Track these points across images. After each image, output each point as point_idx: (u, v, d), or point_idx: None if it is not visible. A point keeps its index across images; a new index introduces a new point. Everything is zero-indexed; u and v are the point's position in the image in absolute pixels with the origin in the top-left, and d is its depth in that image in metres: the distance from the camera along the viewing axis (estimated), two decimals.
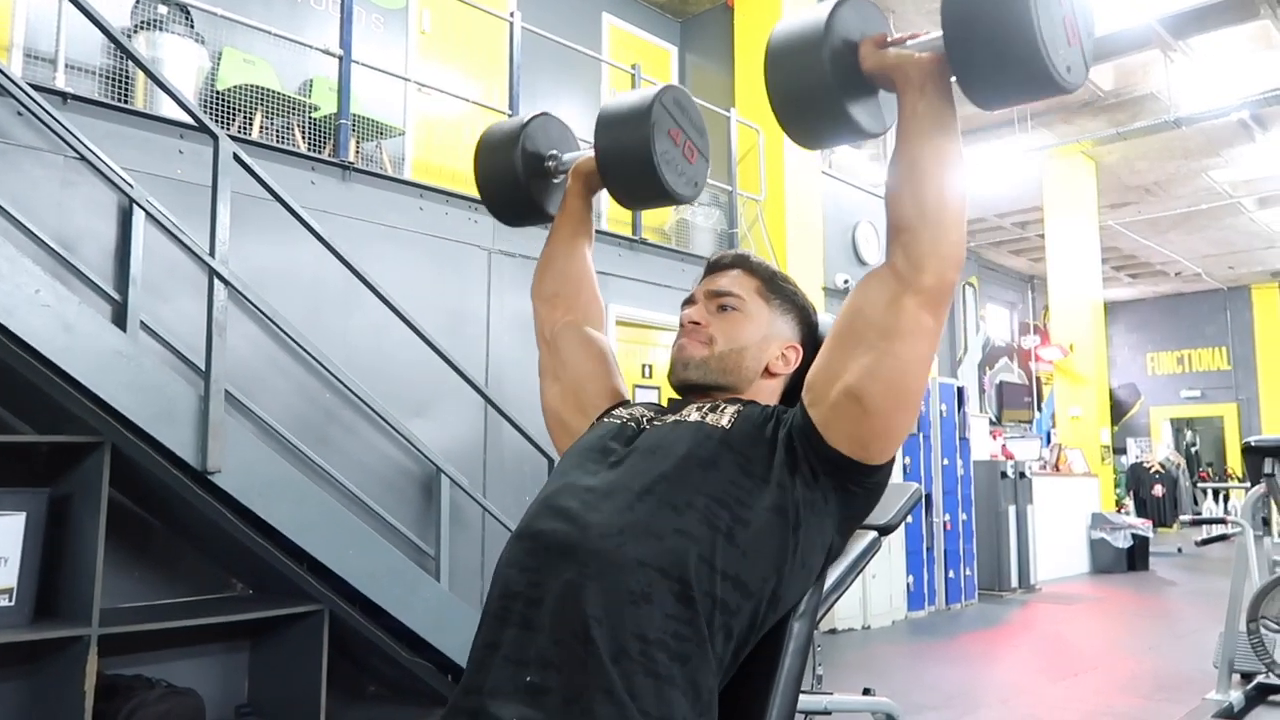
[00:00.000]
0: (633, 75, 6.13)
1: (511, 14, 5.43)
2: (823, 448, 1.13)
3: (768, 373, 1.33)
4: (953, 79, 1.14)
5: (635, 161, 1.46)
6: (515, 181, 1.63)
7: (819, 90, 1.17)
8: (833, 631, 6.21)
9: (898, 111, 1.15)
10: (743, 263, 1.39)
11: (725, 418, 1.20)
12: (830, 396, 1.12)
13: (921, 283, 1.09)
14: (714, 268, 1.41)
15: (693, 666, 1.01)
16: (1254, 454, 4.05)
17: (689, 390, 1.33)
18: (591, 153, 1.58)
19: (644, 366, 6.06)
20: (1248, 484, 4.29)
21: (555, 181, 1.69)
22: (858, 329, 1.12)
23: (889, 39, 1.18)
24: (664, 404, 1.39)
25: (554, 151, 1.69)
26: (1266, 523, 5.41)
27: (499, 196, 1.68)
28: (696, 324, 1.33)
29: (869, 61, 1.17)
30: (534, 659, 1.02)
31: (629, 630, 1.01)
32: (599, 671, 0.99)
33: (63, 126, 3.42)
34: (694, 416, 1.23)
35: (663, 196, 1.51)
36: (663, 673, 1.00)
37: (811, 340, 1.38)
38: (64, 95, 3.58)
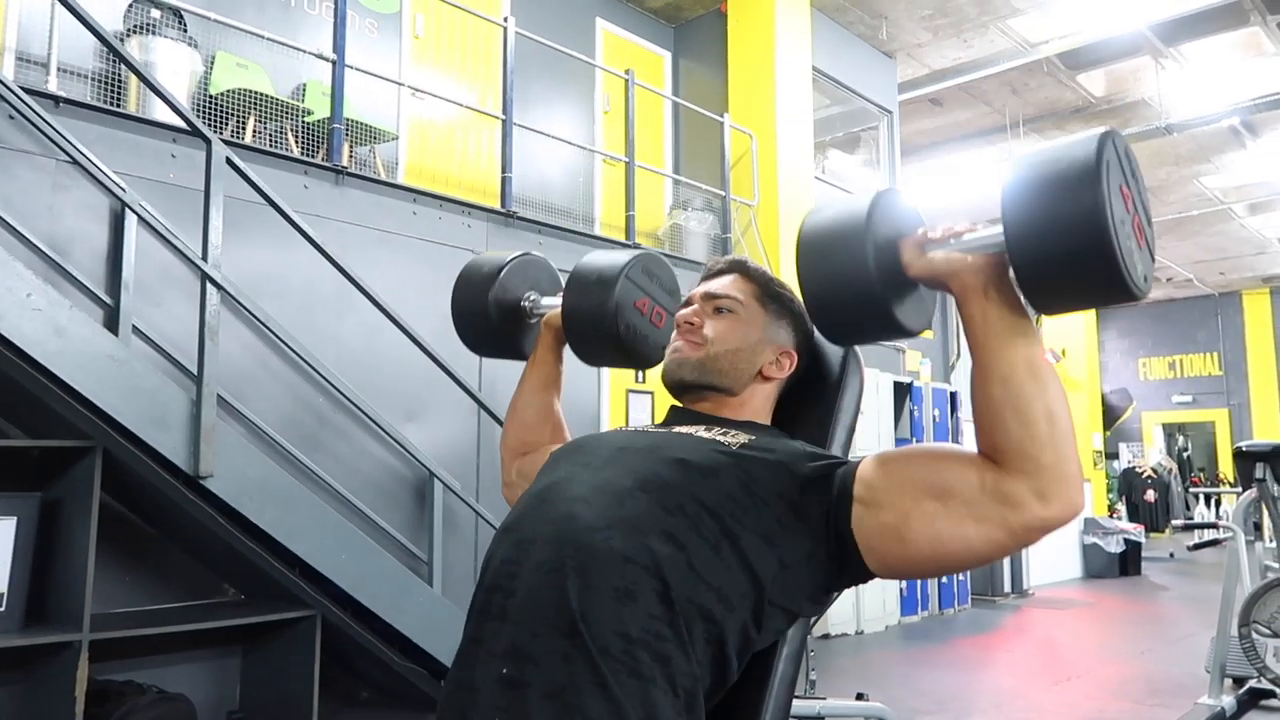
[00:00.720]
0: (626, 80, 6.14)
1: (505, 19, 5.43)
2: (845, 533, 1.08)
3: (761, 376, 1.33)
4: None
5: (600, 334, 1.48)
6: (486, 320, 1.65)
7: (864, 293, 1.07)
8: (826, 636, 6.21)
9: (963, 320, 1.07)
10: (740, 267, 1.39)
11: (740, 439, 1.18)
12: (883, 518, 1.06)
13: (1047, 515, 0.99)
14: (711, 271, 1.41)
15: (673, 667, 1.00)
16: (1245, 459, 4.07)
17: (683, 390, 1.33)
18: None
19: (637, 372, 6.06)
20: (1239, 489, 4.31)
21: (530, 323, 1.70)
22: (950, 494, 1.03)
23: (928, 235, 1.10)
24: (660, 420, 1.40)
25: (532, 295, 1.69)
26: (1258, 528, 5.43)
27: (470, 330, 1.69)
28: (692, 324, 1.33)
29: (916, 268, 1.08)
30: (511, 651, 1.01)
31: (611, 627, 0.99)
32: (589, 665, 0.97)
33: (55, 130, 3.41)
34: (703, 433, 1.21)
35: (627, 364, 1.54)
36: (645, 672, 0.98)
37: (806, 347, 1.38)
38: (56, 99, 3.58)
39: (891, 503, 1.06)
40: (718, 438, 1.18)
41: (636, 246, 5.90)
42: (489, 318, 1.64)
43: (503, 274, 1.64)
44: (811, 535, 1.10)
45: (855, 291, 1.08)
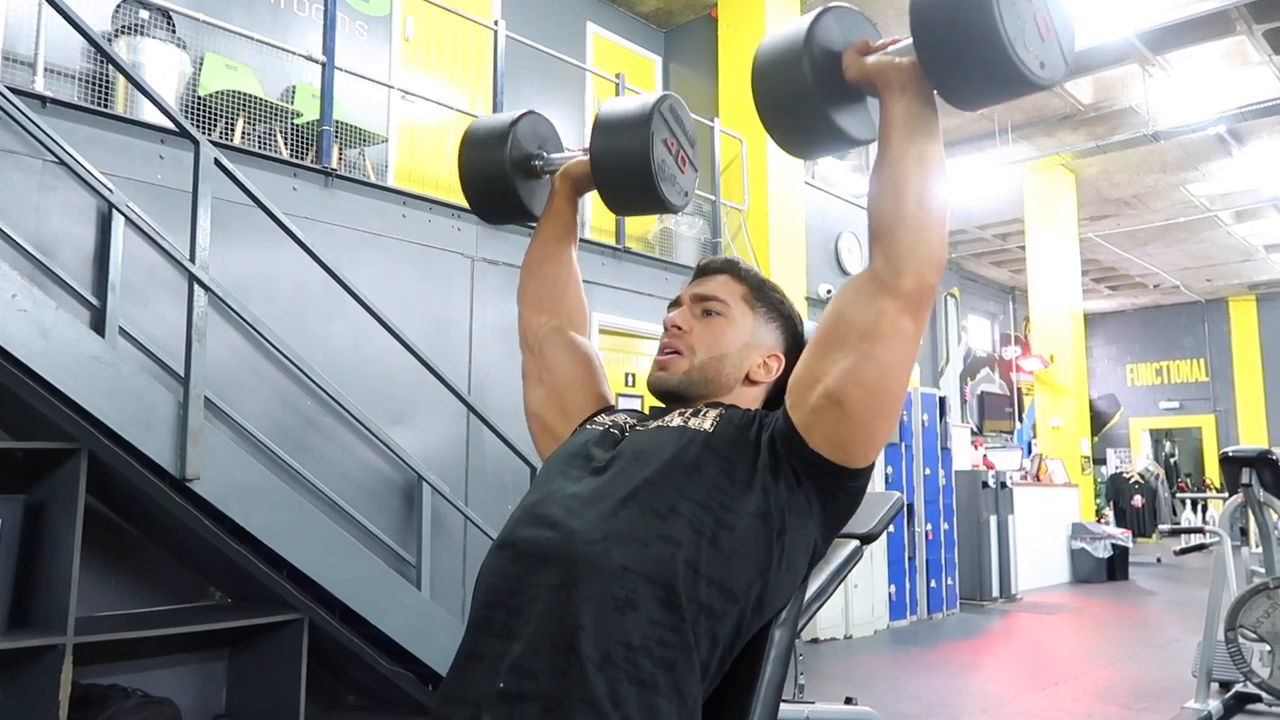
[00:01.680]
0: (617, 85, 6.14)
1: (496, 22, 5.43)
2: (804, 451, 1.12)
3: (749, 380, 1.33)
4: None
5: (633, 168, 1.45)
6: (503, 181, 1.61)
7: (803, 99, 1.17)
8: (815, 641, 6.21)
9: (880, 116, 1.15)
10: (731, 268, 1.39)
11: (708, 421, 1.20)
12: (811, 400, 1.12)
13: (901, 286, 1.09)
14: (702, 272, 1.41)
15: (678, 673, 1.01)
16: (1231, 464, 4.09)
17: (669, 399, 1.33)
18: (580, 155, 1.57)
19: (627, 375, 6.06)
20: (1226, 494, 4.34)
21: (540, 181, 1.67)
22: (839, 332, 1.12)
23: (872, 45, 1.18)
24: (646, 411, 1.39)
25: (541, 151, 1.67)
26: (1244, 532, 5.46)
27: (484, 194, 1.65)
28: (679, 328, 1.33)
29: (851, 69, 1.17)
30: (511, 667, 1.02)
31: (614, 637, 1.00)
32: (581, 681, 0.98)
33: (42, 130, 3.39)
34: (676, 421, 1.22)
35: (656, 204, 1.49)
36: (647, 680, 0.99)
37: (796, 349, 1.37)
38: (43, 99, 3.56)
39: (810, 382, 1.13)
40: (690, 423, 1.20)
41: (627, 251, 5.90)
42: (506, 178, 1.61)
43: (514, 131, 1.61)
44: (792, 488, 1.13)
45: (794, 94, 1.17)
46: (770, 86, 1.20)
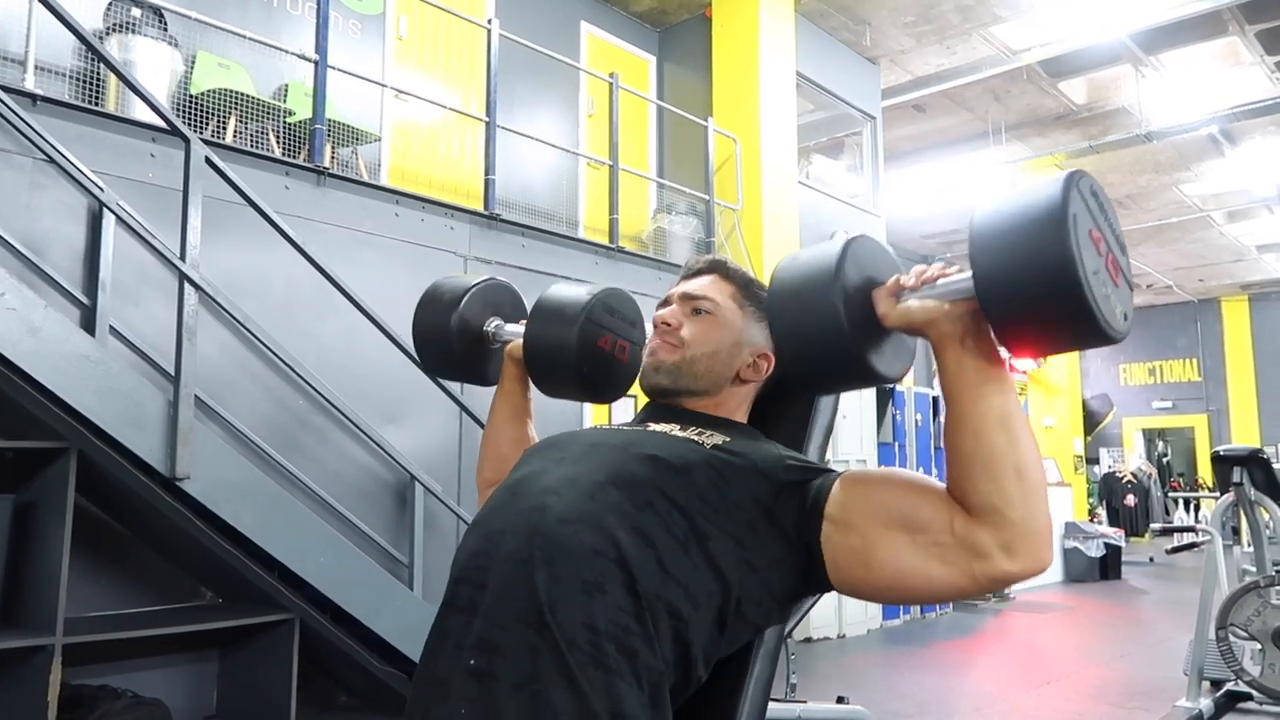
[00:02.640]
0: (610, 84, 6.14)
1: (489, 21, 5.42)
2: (813, 546, 1.08)
3: (738, 379, 1.32)
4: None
5: (559, 371, 1.46)
6: (448, 346, 1.60)
7: (837, 343, 1.04)
8: (808, 640, 6.21)
9: (939, 368, 1.04)
10: (719, 268, 1.38)
11: (714, 439, 1.18)
12: (850, 540, 1.06)
13: (1011, 569, 0.98)
14: (690, 271, 1.40)
15: (640, 661, 1.00)
16: (1223, 463, 4.11)
17: (659, 394, 1.32)
18: None
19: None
20: (1218, 493, 4.35)
21: (494, 348, 1.66)
22: (920, 530, 1.03)
23: (902, 284, 1.06)
24: (637, 410, 1.39)
25: (496, 321, 1.65)
26: (1236, 532, 5.47)
27: (432, 356, 1.65)
28: (669, 325, 1.32)
29: (892, 319, 1.05)
30: (479, 643, 1.01)
31: (580, 619, 0.99)
32: (555, 657, 0.97)
33: (32, 128, 3.38)
34: (678, 431, 1.20)
35: (584, 398, 1.53)
36: (611, 665, 0.98)
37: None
38: (33, 97, 3.54)
39: (861, 527, 1.05)
40: (693, 437, 1.18)
41: (621, 250, 5.90)
42: (450, 343, 1.60)
43: (465, 299, 1.60)
44: (783, 543, 1.09)
45: (828, 345, 1.05)
46: (798, 328, 1.07)
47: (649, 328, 1.39)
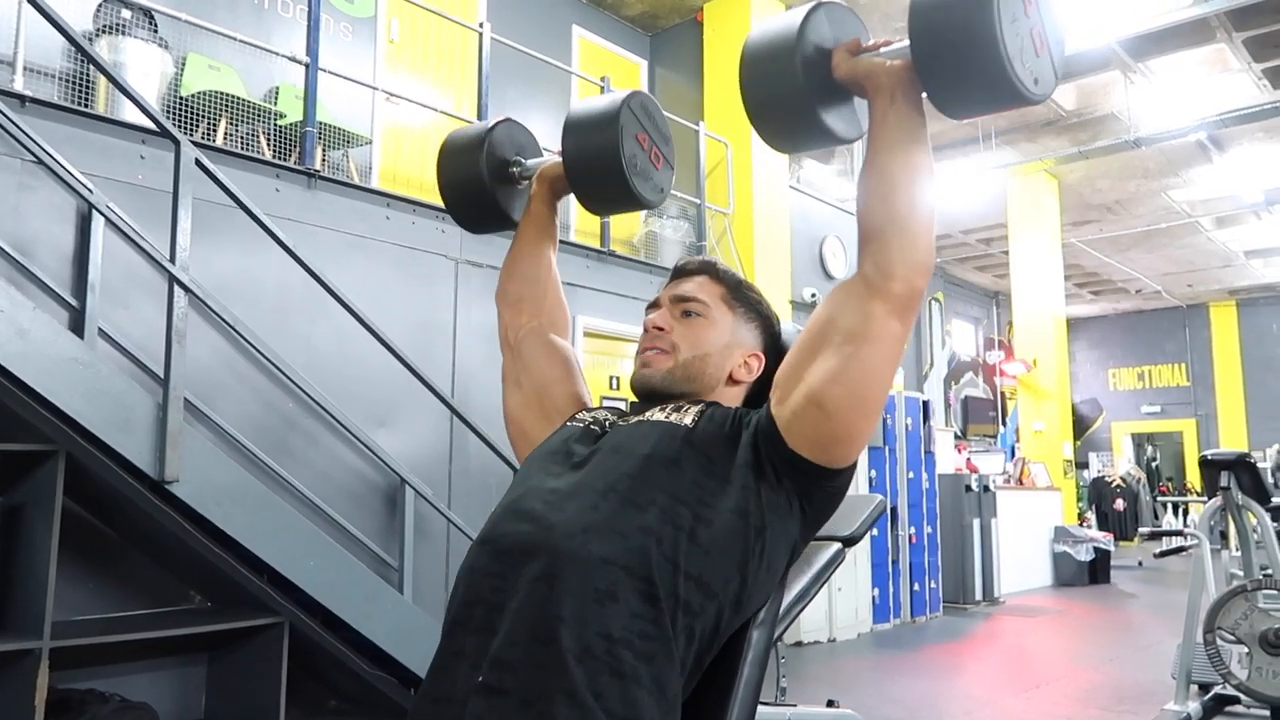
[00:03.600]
0: (602, 88, 6.14)
1: (481, 25, 5.42)
2: (785, 450, 1.13)
3: (730, 380, 1.33)
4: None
5: (603, 166, 1.45)
6: (480, 187, 1.62)
7: (792, 95, 1.17)
8: (798, 644, 6.21)
9: (869, 118, 1.15)
10: (709, 269, 1.39)
11: (689, 417, 1.20)
12: (794, 400, 1.13)
13: (890, 289, 1.10)
14: (680, 273, 1.41)
15: (658, 666, 1.01)
16: (1210, 467, 4.12)
17: (652, 397, 1.33)
18: (557, 158, 1.58)
19: (611, 378, 6.05)
20: (1206, 498, 4.36)
21: (519, 187, 1.68)
22: (826, 334, 1.13)
23: (863, 46, 1.18)
24: (628, 408, 1.39)
25: (518, 157, 1.67)
26: (1224, 536, 5.49)
27: (463, 202, 1.66)
28: (660, 329, 1.33)
29: (841, 69, 1.17)
30: (491, 660, 1.02)
31: (594, 629, 1.00)
32: (560, 673, 0.98)
33: (21, 130, 3.36)
34: (657, 416, 1.23)
35: (630, 201, 1.50)
36: (628, 672, 0.99)
37: (774, 349, 1.38)
38: (22, 98, 3.53)
39: (794, 382, 1.14)
40: (670, 418, 1.21)
41: (612, 254, 5.90)
42: (484, 185, 1.61)
43: (490, 138, 1.62)
44: (773, 487, 1.13)
45: (785, 91, 1.17)
46: (759, 80, 1.20)
47: (642, 329, 1.39)
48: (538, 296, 1.57)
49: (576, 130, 1.48)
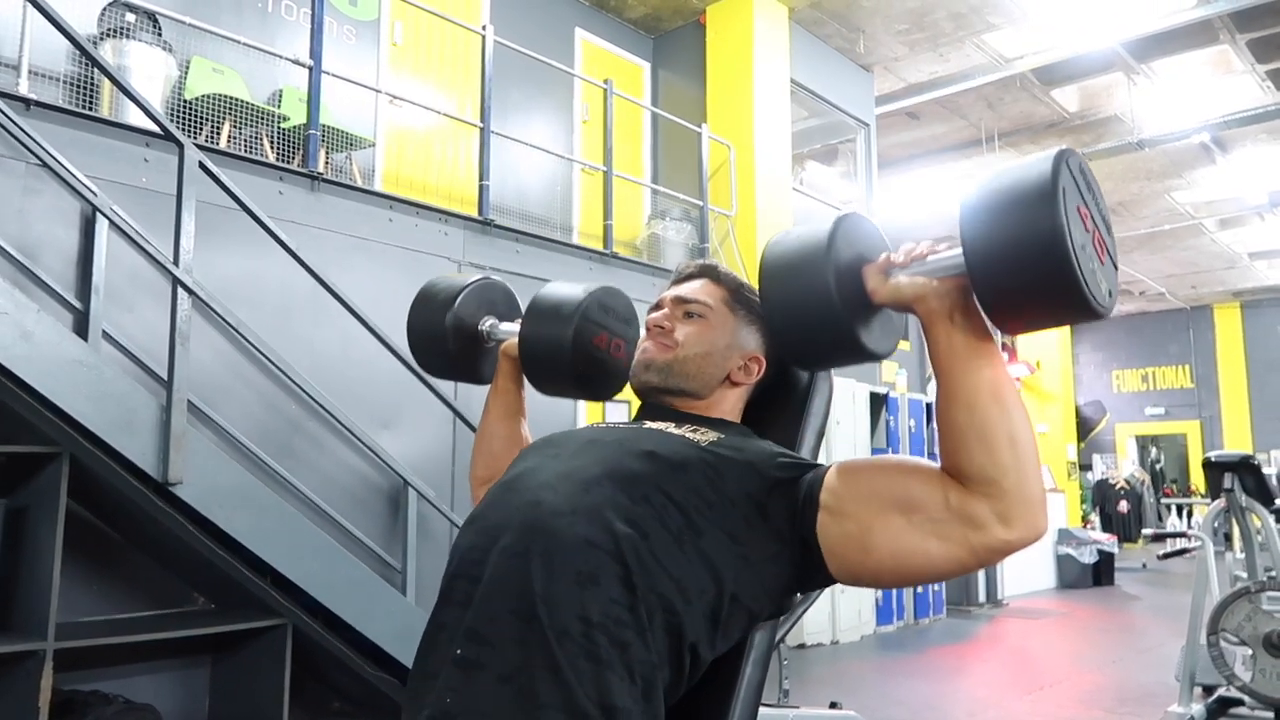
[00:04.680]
0: (605, 90, 6.15)
1: (484, 27, 5.43)
2: (810, 538, 1.09)
3: (729, 381, 1.33)
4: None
5: (556, 368, 1.47)
6: (443, 345, 1.62)
7: (828, 319, 1.07)
8: (801, 646, 6.21)
9: (929, 344, 1.05)
10: (710, 272, 1.39)
11: (707, 436, 1.19)
12: (846, 527, 1.07)
13: (1009, 538, 1.00)
14: (681, 276, 1.41)
15: (631, 654, 1.00)
16: (1214, 469, 4.11)
17: (649, 393, 1.33)
18: None
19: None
20: (1210, 500, 4.36)
21: (489, 346, 1.67)
22: (915, 509, 1.04)
23: (892, 260, 1.08)
24: (632, 415, 1.40)
25: (490, 320, 1.66)
26: (1228, 538, 5.48)
27: (427, 355, 1.66)
28: (662, 328, 1.34)
29: (881, 295, 1.07)
30: (468, 634, 1.02)
31: (572, 610, 1.00)
32: (542, 650, 0.98)
33: (25, 133, 3.38)
34: (672, 429, 1.21)
35: (580, 395, 1.53)
36: (602, 656, 0.99)
37: (775, 352, 1.38)
38: (27, 101, 3.54)
39: (857, 513, 1.06)
40: (687, 434, 1.19)
41: (615, 256, 5.90)
42: (446, 342, 1.61)
43: (460, 298, 1.61)
44: (777, 537, 1.10)
45: (819, 319, 1.07)
46: (789, 302, 1.09)
47: (642, 330, 1.40)
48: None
49: (534, 319, 1.49)
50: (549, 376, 1.50)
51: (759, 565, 1.10)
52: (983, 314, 1.02)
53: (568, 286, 1.52)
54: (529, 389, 1.61)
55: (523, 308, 1.57)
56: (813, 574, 1.11)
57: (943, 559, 1.02)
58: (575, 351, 1.44)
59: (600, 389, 1.53)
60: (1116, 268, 1.05)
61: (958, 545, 1.01)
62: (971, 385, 1.02)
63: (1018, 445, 1.00)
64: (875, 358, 1.12)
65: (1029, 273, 0.93)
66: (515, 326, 1.58)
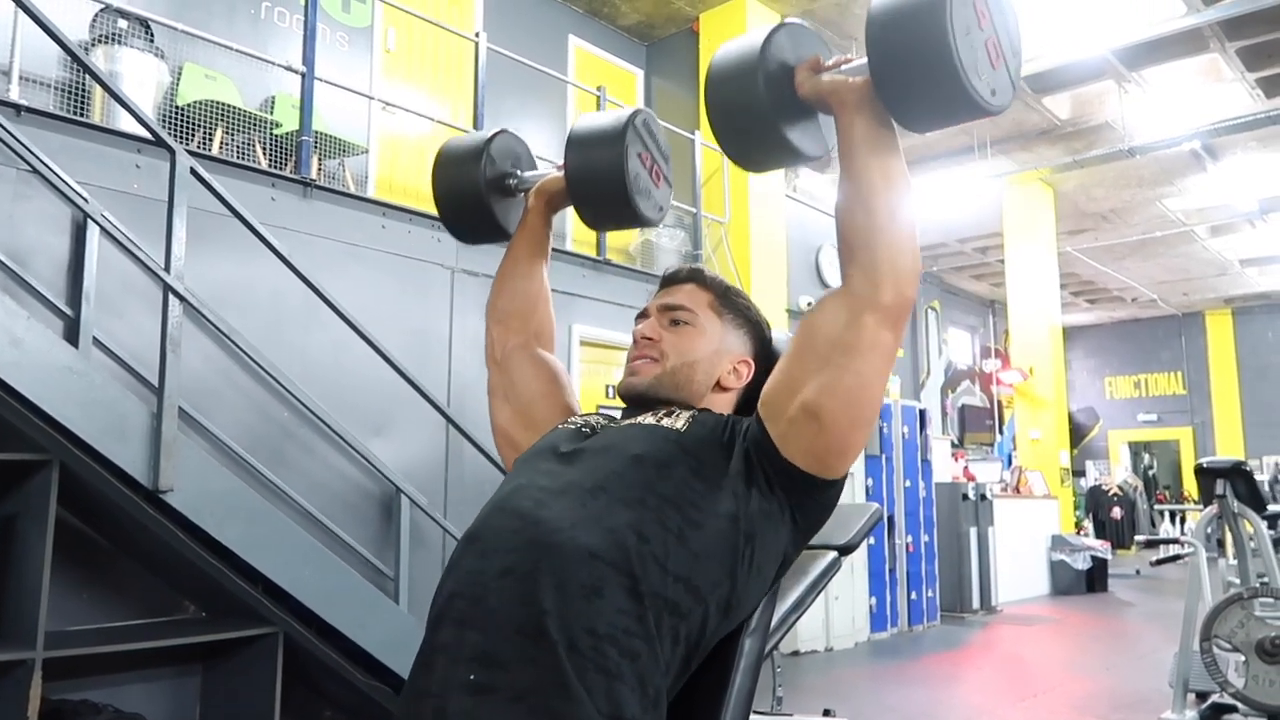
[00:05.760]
0: (598, 98, 6.16)
1: (477, 34, 5.44)
2: (778, 460, 1.13)
3: (719, 386, 1.33)
4: None
5: (607, 182, 1.45)
6: (477, 198, 1.61)
7: (755, 115, 1.18)
8: (795, 653, 6.20)
9: (837, 134, 1.16)
10: (696, 277, 1.40)
11: (680, 421, 1.21)
12: (788, 411, 1.13)
13: (881, 300, 1.10)
14: (668, 282, 1.41)
15: (641, 664, 1.00)
16: (1206, 475, 4.12)
17: (640, 403, 1.33)
18: (554, 172, 1.57)
19: (607, 387, 6.05)
20: (1203, 506, 4.36)
21: (514, 199, 1.67)
22: (816, 346, 1.13)
23: (824, 63, 1.20)
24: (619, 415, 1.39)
25: (515, 169, 1.67)
26: (1220, 544, 5.49)
27: (458, 213, 1.65)
28: (649, 339, 1.34)
29: (804, 87, 1.19)
30: (477, 657, 1.01)
31: (580, 624, 1.00)
32: (553, 667, 0.97)
33: (15, 139, 3.36)
34: (648, 420, 1.23)
35: (631, 218, 1.50)
36: (612, 669, 0.99)
37: (764, 355, 1.38)
38: (17, 107, 3.53)
39: (786, 397, 1.13)
40: (662, 422, 1.21)
41: (608, 263, 5.90)
42: (480, 196, 1.60)
43: (488, 149, 1.61)
44: (763, 494, 1.13)
45: (748, 111, 1.18)
46: (723, 99, 1.21)
47: (632, 339, 1.40)
48: (527, 312, 1.58)
49: (581, 145, 1.48)
50: (599, 198, 1.49)
51: (760, 535, 1.13)
52: (886, 111, 1.13)
53: (602, 115, 1.53)
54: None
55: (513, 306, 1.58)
56: (805, 502, 1.16)
57: (862, 364, 1.10)
58: (626, 164, 1.44)
59: (644, 212, 1.49)
60: (1013, 82, 1.14)
61: (860, 343, 1.10)
62: (864, 165, 1.13)
63: (895, 218, 1.11)
64: (803, 156, 1.23)
65: (915, 58, 1.05)
66: (541, 172, 1.62)
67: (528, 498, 1.13)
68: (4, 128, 3.34)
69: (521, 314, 1.57)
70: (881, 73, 1.09)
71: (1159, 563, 4.44)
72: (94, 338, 3.62)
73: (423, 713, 1.02)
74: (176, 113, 4.55)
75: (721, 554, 1.09)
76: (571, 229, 6.80)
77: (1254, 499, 4.03)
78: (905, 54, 1.06)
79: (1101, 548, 9.92)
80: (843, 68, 1.18)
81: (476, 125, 5.21)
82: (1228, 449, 15.29)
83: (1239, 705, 3.63)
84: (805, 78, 1.19)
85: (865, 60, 1.14)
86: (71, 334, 3.56)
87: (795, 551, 1.20)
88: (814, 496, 1.16)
